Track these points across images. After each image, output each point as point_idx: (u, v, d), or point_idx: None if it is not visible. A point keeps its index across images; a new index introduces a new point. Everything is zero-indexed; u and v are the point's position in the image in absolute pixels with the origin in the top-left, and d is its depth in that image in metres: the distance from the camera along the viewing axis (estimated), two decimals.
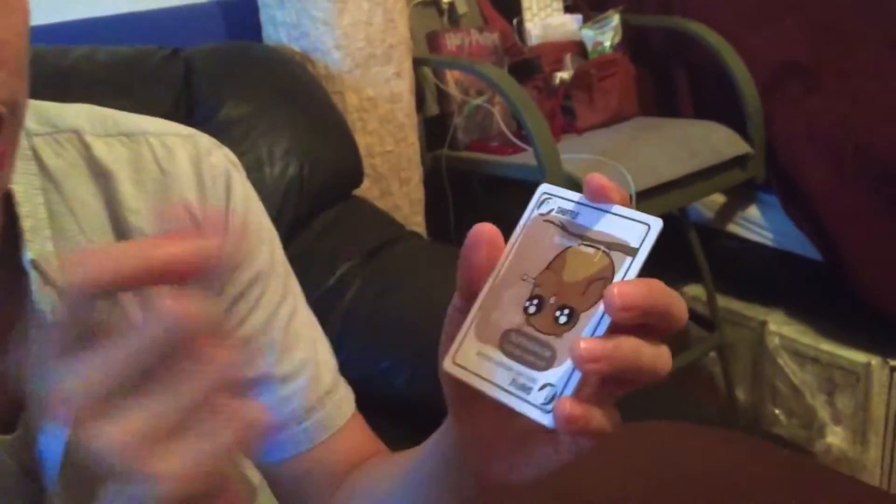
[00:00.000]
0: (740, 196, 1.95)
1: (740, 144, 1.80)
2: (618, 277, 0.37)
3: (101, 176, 0.53)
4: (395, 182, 1.62)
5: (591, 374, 0.36)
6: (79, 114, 0.55)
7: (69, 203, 0.52)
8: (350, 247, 1.33)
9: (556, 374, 0.37)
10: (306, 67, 1.50)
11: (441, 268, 1.20)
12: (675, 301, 0.36)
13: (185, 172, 0.56)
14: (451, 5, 1.88)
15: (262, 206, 0.62)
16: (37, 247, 0.49)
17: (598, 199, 0.39)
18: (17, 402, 0.50)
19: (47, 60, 1.24)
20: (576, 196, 0.40)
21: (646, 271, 0.37)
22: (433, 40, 1.81)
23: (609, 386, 0.38)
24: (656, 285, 0.36)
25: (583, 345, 0.35)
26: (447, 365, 0.40)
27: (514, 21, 1.96)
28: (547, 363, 0.37)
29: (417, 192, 1.68)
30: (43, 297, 0.48)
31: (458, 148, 1.77)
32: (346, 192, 1.42)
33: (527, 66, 1.84)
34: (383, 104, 1.57)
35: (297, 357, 0.61)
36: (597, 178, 0.38)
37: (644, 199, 1.61)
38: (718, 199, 1.98)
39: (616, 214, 0.38)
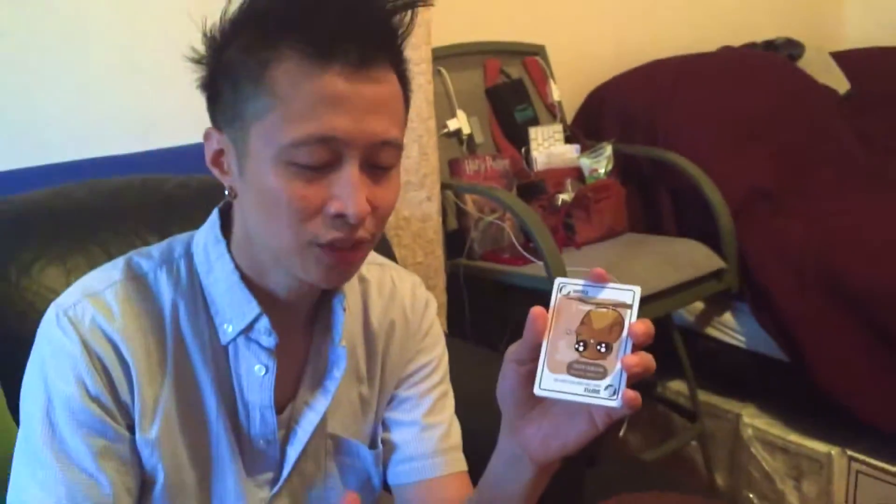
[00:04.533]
0: (717, 304, 2.11)
1: (716, 260, 2.01)
2: (627, 321, 0.64)
3: (362, 281, 0.90)
4: None
5: (635, 375, 0.62)
6: None
7: (348, 298, 0.85)
8: None
9: (611, 379, 0.63)
10: None
11: (460, 362, 1.23)
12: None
13: (406, 291, 0.93)
14: (470, 136, 2.14)
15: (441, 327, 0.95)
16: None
17: (599, 281, 0.65)
18: (291, 393, 0.82)
19: (148, 186, 1.45)
20: (581, 281, 0.66)
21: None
22: (454, 166, 2.05)
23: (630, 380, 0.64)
24: (649, 323, 0.63)
25: (633, 359, 0.62)
26: (538, 391, 0.64)
27: (523, 149, 2.20)
28: (602, 375, 0.63)
29: (441, 297, 1.90)
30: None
31: (474, 258, 1.99)
32: None
33: (533, 188, 2.06)
34: (416, 223, 1.81)
35: (440, 417, 0.91)
36: (599, 270, 0.66)
37: None
38: (699, 306, 2.14)
39: (611, 287, 0.65)
